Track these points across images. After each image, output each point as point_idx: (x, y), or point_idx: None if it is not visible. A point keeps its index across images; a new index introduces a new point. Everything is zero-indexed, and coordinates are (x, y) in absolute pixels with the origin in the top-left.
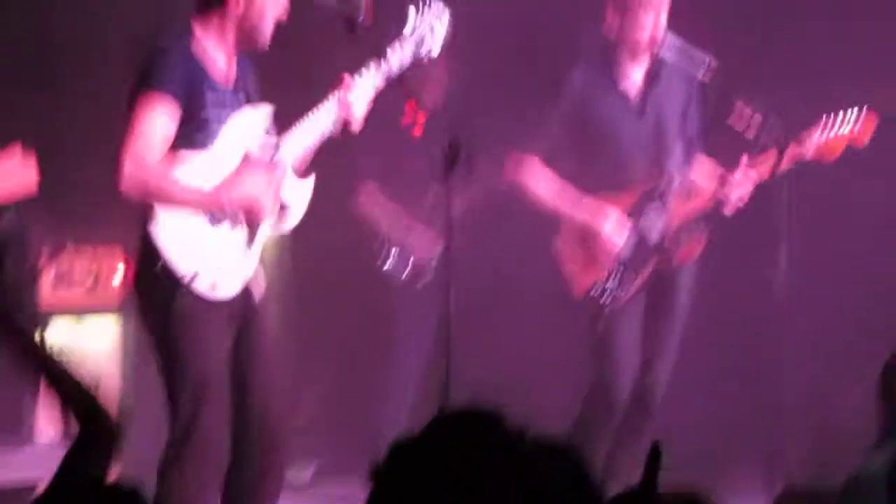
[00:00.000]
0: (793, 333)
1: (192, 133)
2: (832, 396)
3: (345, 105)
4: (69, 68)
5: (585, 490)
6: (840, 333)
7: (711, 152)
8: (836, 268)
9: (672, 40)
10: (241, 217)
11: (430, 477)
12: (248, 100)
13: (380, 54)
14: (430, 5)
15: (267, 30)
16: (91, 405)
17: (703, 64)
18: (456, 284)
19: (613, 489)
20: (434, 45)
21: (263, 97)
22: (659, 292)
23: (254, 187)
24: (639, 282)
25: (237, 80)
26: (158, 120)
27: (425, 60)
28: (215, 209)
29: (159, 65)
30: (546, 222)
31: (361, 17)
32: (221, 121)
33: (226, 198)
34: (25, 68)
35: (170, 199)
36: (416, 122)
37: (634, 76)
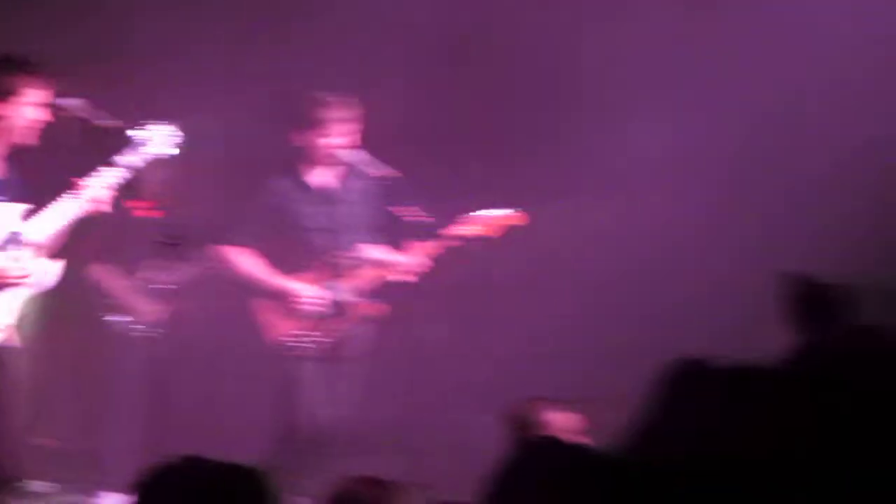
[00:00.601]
0: None
1: None
2: None
3: (84, 200)
4: None
5: None
6: None
7: (389, 238)
8: None
9: (359, 153)
10: None
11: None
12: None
13: (111, 159)
14: (157, 122)
15: (32, 134)
16: None
17: (385, 173)
18: (172, 338)
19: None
20: (159, 152)
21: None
22: (340, 344)
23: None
24: (327, 334)
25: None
26: None
27: (151, 163)
28: None
29: None
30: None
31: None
32: None
33: None
34: None
35: None
36: (141, 209)
37: (326, 178)
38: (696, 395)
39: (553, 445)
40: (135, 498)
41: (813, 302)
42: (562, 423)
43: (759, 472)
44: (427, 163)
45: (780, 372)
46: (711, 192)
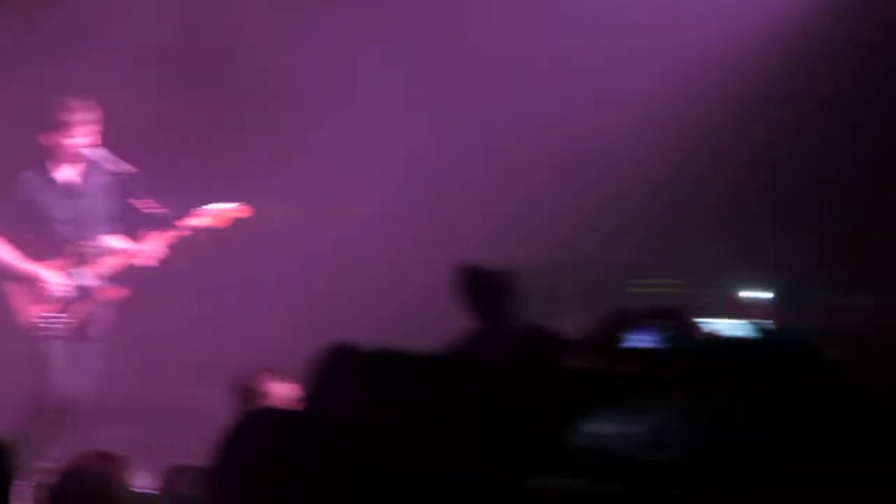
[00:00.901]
0: None
1: None
2: None
3: None
4: None
5: None
6: None
7: (128, 228)
8: None
9: (100, 151)
10: None
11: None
12: None
13: None
14: None
15: None
16: None
17: (124, 169)
18: None
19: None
20: None
21: None
22: (85, 325)
23: None
24: (73, 316)
25: None
26: None
27: None
28: None
29: None
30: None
31: None
32: None
33: None
34: None
35: None
36: None
37: (71, 174)
38: (345, 374)
39: (270, 413)
40: None
41: (478, 287)
42: (281, 392)
43: (392, 438)
44: (164, 160)
45: (412, 356)
46: (415, 192)
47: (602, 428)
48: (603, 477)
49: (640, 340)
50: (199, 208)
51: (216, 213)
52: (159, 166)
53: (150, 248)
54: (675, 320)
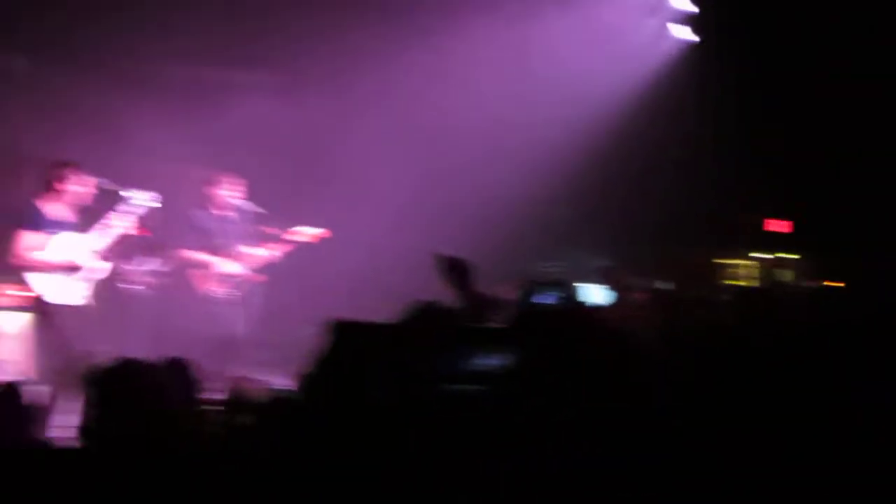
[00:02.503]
0: None
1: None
2: None
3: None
4: None
5: None
6: None
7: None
8: None
9: (240, 197)
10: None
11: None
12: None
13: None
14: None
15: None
16: None
17: (252, 208)
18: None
19: None
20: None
21: None
22: (237, 293)
23: None
24: (235, 288)
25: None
26: None
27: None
28: None
29: None
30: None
31: None
32: None
33: None
34: None
35: None
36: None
37: (222, 211)
38: (350, 343)
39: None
40: (88, 392)
41: (454, 269)
42: None
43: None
44: (274, 202)
45: (395, 327)
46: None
47: (482, 359)
48: (477, 383)
49: (544, 299)
50: (296, 229)
51: (307, 233)
52: (272, 206)
53: (270, 253)
54: (563, 285)
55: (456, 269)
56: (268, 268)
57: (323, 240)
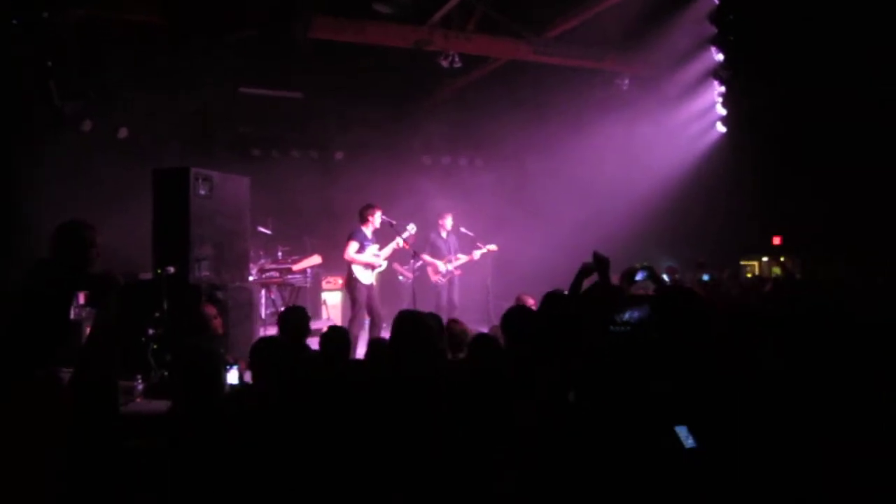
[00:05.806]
0: None
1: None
2: None
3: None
4: None
5: None
6: None
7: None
8: None
9: (458, 229)
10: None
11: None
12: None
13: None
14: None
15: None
16: None
17: (462, 231)
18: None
19: None
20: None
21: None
22: (450, 282)
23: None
24: (445, 277)
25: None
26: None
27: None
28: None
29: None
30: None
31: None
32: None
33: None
34: None
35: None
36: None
37: (448, 236)
38: (557, 305)
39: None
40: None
41: (601, 263)
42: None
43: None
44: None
45: (580, 297)
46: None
47: (629, 314)
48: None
49: (639, 276)
50: (481, 246)
51: (488, 248)
52: (482, 231)
53: (468, 259)
54: (649, 269)
55: (603, 263)
56: (466, 268)
57: (514, 249)
